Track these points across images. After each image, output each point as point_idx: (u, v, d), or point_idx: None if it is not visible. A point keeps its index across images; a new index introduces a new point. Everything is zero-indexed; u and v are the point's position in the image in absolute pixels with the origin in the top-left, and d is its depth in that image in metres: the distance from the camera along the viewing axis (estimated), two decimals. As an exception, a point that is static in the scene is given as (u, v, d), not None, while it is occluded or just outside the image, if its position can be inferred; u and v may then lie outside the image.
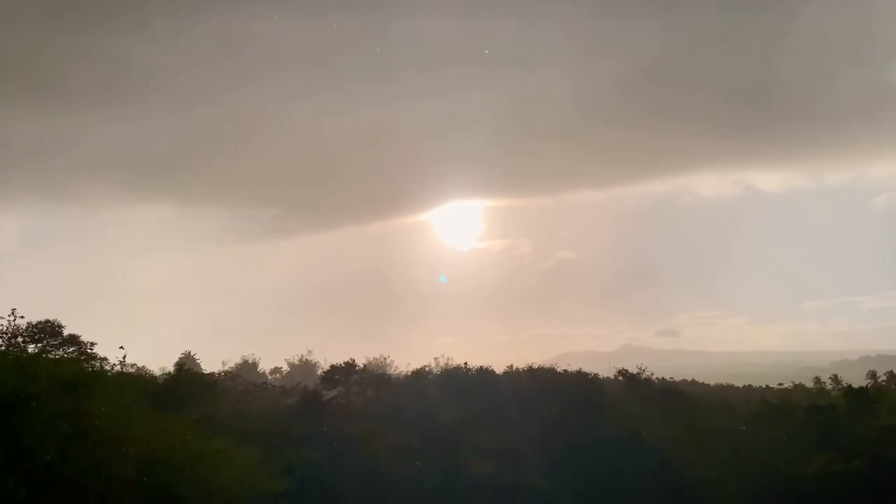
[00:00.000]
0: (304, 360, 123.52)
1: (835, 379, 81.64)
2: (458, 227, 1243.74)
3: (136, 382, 48.62)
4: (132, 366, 48.88)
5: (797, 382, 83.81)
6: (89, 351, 50.77)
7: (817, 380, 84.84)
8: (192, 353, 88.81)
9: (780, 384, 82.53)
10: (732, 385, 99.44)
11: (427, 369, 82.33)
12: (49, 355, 47.83)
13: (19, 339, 48.85)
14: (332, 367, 78.16)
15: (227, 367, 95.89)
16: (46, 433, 29.06)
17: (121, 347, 46.32)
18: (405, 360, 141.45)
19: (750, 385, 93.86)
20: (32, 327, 50.28)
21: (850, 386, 71.05)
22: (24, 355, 45.18)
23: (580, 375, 75.18)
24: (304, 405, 65.20)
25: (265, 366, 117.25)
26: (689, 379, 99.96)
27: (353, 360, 77.02)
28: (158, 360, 73.92)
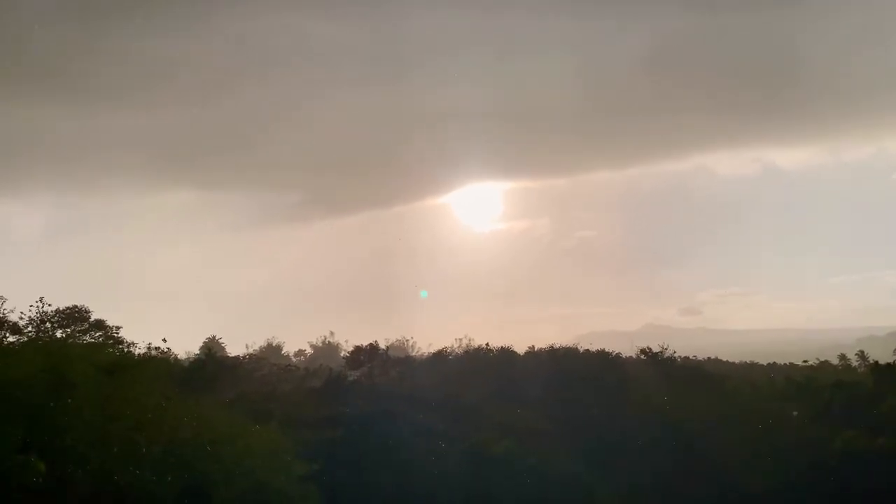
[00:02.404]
0: (326, 342, 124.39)
1: (861, 355, 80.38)
2: (478, 209, 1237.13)
3: (163, 366, 49.34)
4: (157, 349, 49.53)
5: (822, 359, 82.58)
6: (115, 335, 51.46)
7: (842, 356, 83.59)
8: (217, 337, 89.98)
9: (805, 361, 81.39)
10: (756, 363, 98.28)
11: (448, 350, 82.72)
12: (76, 340, 48.66)
13: (47, 325, 49.61)
14: (356, 348, 78.72)
15: (251, 350, 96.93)
16: (78, 417, 29.58)
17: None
18: (427, 341, 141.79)
19: (774, 362, 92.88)
20: (60, 313, 50.87)
21: (876, 362, 70.07)
22: (53, 340, 46.13)
23: (602, 355, 74.99)
24: (329, 387, 65.82)
25: (289, 348, 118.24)
26: (713, 357, 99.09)
27: (377, 342, 77.60)
28: (182, 344, 75.05)
